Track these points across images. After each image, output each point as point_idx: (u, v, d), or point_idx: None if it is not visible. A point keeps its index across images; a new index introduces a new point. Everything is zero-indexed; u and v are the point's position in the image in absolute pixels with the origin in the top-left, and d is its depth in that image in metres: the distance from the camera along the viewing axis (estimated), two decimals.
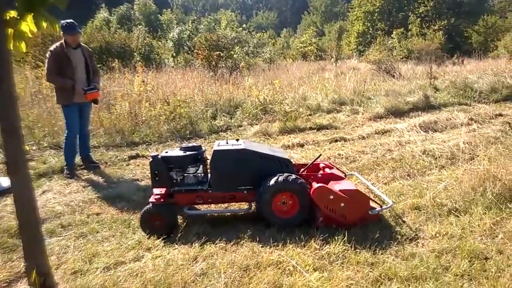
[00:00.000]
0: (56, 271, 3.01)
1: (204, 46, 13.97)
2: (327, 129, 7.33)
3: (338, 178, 3.76)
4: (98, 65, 12.23)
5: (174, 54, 22.53)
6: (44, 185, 4.94)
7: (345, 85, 10.44)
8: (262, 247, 3.18)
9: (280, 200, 3.50)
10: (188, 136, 7.17)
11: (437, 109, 8.42)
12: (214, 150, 3.63)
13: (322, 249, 3.07)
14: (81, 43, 5.35)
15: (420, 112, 8.21)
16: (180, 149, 3.86)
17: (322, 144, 6.38)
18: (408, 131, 6.67)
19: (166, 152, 3.86)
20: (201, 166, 3.82)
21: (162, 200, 3.61)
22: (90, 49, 5.57)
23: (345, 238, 3.13)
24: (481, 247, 3.01)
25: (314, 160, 4.06)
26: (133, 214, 4.01)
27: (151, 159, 3.72)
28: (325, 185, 3.48)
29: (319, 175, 3.82)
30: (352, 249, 3.06)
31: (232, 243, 3.25)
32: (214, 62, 13.22)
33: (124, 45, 18.33)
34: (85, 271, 2.98)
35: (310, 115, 8.20)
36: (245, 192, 3.65)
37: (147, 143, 6.76)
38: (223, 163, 3.61)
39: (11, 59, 1.64)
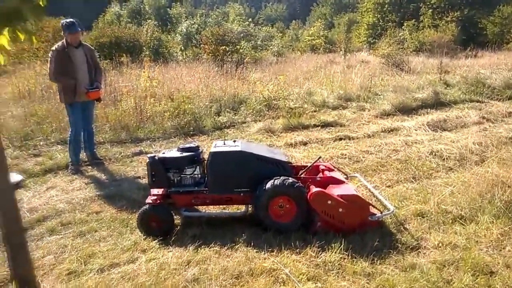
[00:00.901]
0: (52, 271, 3.04)
1: (210, 41, 13.86)
2: (332, 126, 7.19)
3: (337, 182, 3.65)
4: (107, 60, 12.37)
5: (183, 48, 22.47)
6: (49, 181, 4.99)
7: (352, 80, 10.23)
8: (256, 252, 3.11)
9: (276, 204, 3.42)
10: (191, 132, 7.12)
11: (447, 106, 8.20)
12: (210, 152, 3.58)
13: (318, 257, 2.99)
14: (83, 42, 5.37)
15: (429, 109, 7.98)
16: (177, 150, 3.82)
17: (326, 142, 6.25)
18: (415, 130, 6.48)
19: (164, 152, 3.84)
20: (198, 167, 3.78)
21: (158, 201, 3.57)
22: (92, 48, 5.59)
23: (343, 245, 3.04)
24: (487, 260, 2.86)
25: (314, 163, 3.95)
26: (132, 213, 3.98)
27: (148, 160, 3.69)
28: (323, 190, 3.38)
29: (318, 178, 3.71)
30: (349, 257, 2.97)
31: (226, 247, 3.21)
32: (220, 57, 13.11)
33: (134, 40, 18.36)
34: (79, 272, 2.99)
35: (315, 111, 8.06)
36: (241, 194, 3.58)
37: (151, 139, 6.74)
38: (220, 164, 3.55)
39: None
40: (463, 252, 2.99)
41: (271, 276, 2.79)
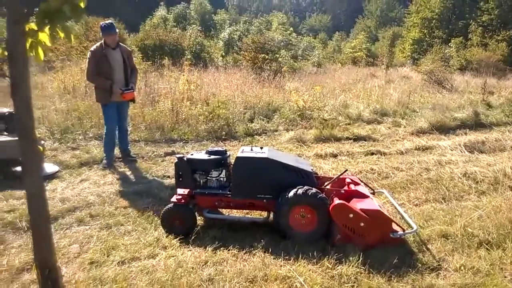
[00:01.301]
0: (76, 259, 3.19)
1: (250, 48, 14.07)
2: (365, 140, 7.10)
3: (361, 196, 3.61)
4: (149, 62, 12.89)
5: (224, 54, 22.92)
6: (83, 174, 5.24)
7: (390, 95, 10.04)
8: (273, 259, 3.13)
9: (298, 213, 3.43)
10: (224, 137, 7.25)
11: (487, 127, 7.89)
12: (237, 157, 3.65)
13: (334, 269, 2.96)
14: (120, 43, 5.49)
15: (467, 129, 7.74)
16: (205, 153, 3.92)
17: (357, 156, 6.18)
18: (451, 150, 6.27)
19: (192, 154, 3.94)
20: (224, 170, 3.87)
21: (183, 201, 3.67)
22: (129, 49, 5.72)
23: (361, 259, 3.00)
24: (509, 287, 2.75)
25: (340, 175, 3.93)
26: (157, 211, 4.09)
27: (176, 160, 3.82)
28: (345, 203, 3.35)
29: (342, 191, 3.69)
30: (366, 272, 2.92)
31: (244, 251, 3.24)
32: (259, 64, 13.27)
33: (177, 43, 18.98)
34: (101, 263, 3.11)
35: (349, 124, 7.99)
36: (264, 201, 3.62)
37: (184, 141, 6.94)
38: (245, 170, 3.62)
39: (28, 66, 1.75)
40: (485, 278, 2.87)
41: (285, 283, 2.80)
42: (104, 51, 5.24)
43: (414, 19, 30.72)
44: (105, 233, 3.64)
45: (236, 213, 4.04)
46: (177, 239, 3.45)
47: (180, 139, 7.02)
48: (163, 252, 3.28)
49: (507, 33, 23.36)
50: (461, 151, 6.24)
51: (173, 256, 3.17)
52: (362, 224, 3.26)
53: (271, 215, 3.68)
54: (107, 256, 3.20)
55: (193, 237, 3.47)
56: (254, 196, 3.64)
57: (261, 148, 3.83)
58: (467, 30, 25.59)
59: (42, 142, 5.47)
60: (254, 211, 3.98)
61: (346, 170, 4.10)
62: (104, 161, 5.57)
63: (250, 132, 7.54)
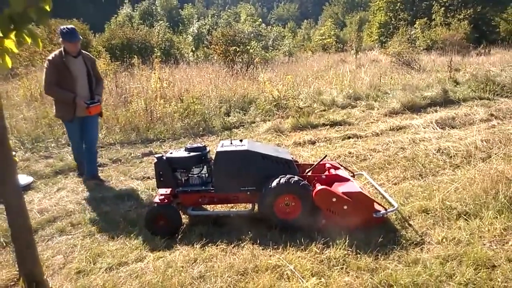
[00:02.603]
0: (61, 270, 3.10)
1: (221, 41, 13.95)
2: (341, 125, 7.21)
3: (342, 180, 3.68)
4: (118, 62, 12.57)
5: (194, 49, 22.66)
6: (59, 183, 5.06)
7: (361, 79, 10.21)
8: (262, 250, 3.16)
9: (282, 202, 3.46)
10: (201, 133, 7.20)
11: (456, 104, 8.15)
12: (217, 151, 3.63)
13: (322, 253, 3.02)
14: (82, 51, 4.83)
15: (438, 107, 7.97)
16: (184, 150, 3.88)
17: (334, 141, 6.28)
18: (424, 128, 6.47)
19: (171, 153, 3.89)
20: (205, 166, 3.84)
21: (166, 200, 3.63)
22: (93, 57, 5.09)
23: (347, 242, 3.07)
24: (489, 254, 2.87)
25: (319, 161, 3.99)
26: (140, 213, 4.03)
27: (155, 160, 3.77)
28: (328, 187, 3.41)
29: (324, 176, 3.75)
30: (354, 253, 2.99)
31: (233, 245, 3.25)
32: (230, 57, 13.19)
33: (145, 41, 18.62)
34: (88, 271, 3.04)
35: (324, 110, 8.09)
36: (248, 193, 3.63)
37: (161, 140, 6.84)
38: (226, 164, 3.61)
39: None
40: (466, 247, 3.00)
41: (276, 272, 2.83)
42: (64, 59, 4.57)
43: (379, 3, 31.22)
44: (88, 241, 3.56)
45: (220, 208, 4.03)
46: (164, 239, 3.41)
47: (156, 138, 6.92)
48: (150, 254, 3.24)
49: (468, 12, 24.10)
50: (433, 128, 6.45)
51: (161, 257, 3.15)
52: (345, 207, 3.33)
53: (256, 207, 3.69)
54: (94, 264, 3.13)
55: (179, 236, 3.45)
56: (238, 189, 3.64)
57: (241, 140, 3.83)
58: (430, 10, 26.20)
59: (14, 152, 5.21)
60: (239, 204, 3.98)
61: (326, 156, 4.17)
62: (79, 171, 5.31)
63: (228, 126, 7.51)
